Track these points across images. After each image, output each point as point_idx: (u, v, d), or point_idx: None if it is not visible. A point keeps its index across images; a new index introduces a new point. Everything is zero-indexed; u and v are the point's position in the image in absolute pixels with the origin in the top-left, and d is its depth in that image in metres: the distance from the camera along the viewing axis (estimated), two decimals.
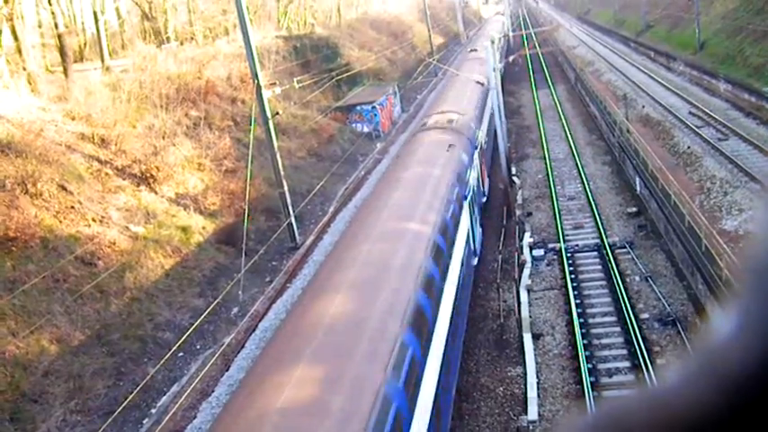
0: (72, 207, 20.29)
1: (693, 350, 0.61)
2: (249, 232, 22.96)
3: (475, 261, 19.74)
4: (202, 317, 18.24)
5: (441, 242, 13.74)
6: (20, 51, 25.65)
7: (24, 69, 25.43)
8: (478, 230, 21.06)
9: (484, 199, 24.34)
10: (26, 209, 18.82)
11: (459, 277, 14.95)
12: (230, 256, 23.41)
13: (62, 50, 28.18)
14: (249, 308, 20.63)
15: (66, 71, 27.35)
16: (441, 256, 13.45)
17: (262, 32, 41.34)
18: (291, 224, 25.20)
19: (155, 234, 22.05)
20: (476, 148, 22.58)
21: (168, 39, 37.66)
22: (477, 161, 22.28)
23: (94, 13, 32.11)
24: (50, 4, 29.75)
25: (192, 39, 40.09)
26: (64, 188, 20.64)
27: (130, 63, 31.02)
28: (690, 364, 0.60)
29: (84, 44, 34.92)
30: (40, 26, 30.72)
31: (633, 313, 18.09)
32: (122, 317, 18.44)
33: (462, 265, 15.73)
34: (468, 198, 18.75)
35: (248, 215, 22.71)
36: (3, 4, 24.51)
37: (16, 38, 25.55)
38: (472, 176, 20.37)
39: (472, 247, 18.91)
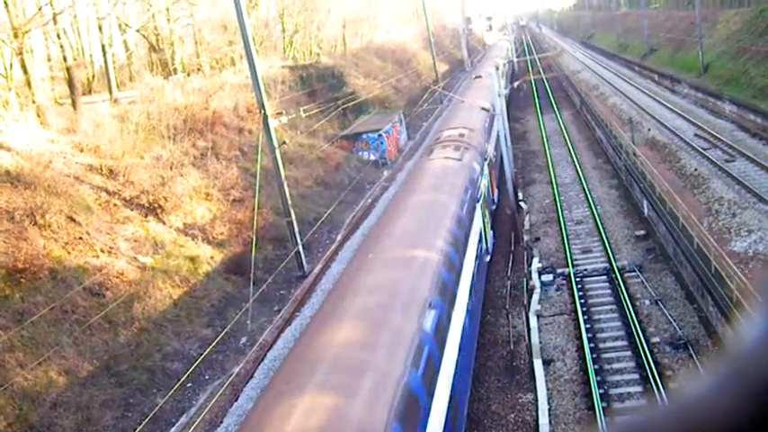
0: (80, 238, 20.38)
1: (721, 357, 0.60)
2: (257, 261, 22.95)
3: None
4: (211, 347, 18.20)
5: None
6: (29, 84, 25.95)
7: (33, 102, 25.70)
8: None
9: (494, 207, 25.46)
10: (35, 240, 18.91)
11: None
12: (238, 285, 23.40)
13: (71, 83, 28.49)
14: (258, 337, 20.55)
15: (74, 103, 27.63)
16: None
17: (268, 62, 41.73)
18: (299, 253, 25.20)
19: (163, 264, 22.09)
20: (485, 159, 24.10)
21: (175, 70, 38.05)
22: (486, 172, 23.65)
23: (102, 46, 32.50)
24: (59, 38, 30.14)
25: (198, 70, 40.49)
26: (72, 219, 20.74)
27: (138, 95, 31.33)
28: (718, 371, 0.59)
29: (93, 77, 35.32)
30: (49, 59, 31.10)
31: (644, 337, 17.92)
32: (131, 347, 18.41)
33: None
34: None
35: (256, 244, 22.73)
36: (13, 38, 24.84)
37: (26, 71, 25.87)
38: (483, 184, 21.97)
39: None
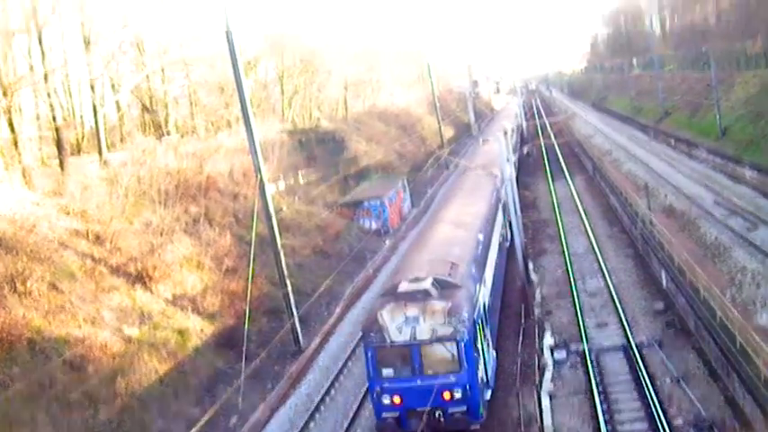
0: (62, 307, 20.28)
1: None
2: (250, 335, 22.79)
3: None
4: (198, 426, 17.89)
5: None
6: (16, 144, 26.23)
7: (20, 163, 25.92)
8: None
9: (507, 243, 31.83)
10: (14, 308, 18.81)
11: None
12: (230, 360, 23.16)
13: (59, 143, 28.79)
14: (249, 416, 20.24)
15: (62, 164, 27.87)
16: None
17: (265, 126, 42.29)
18: (295, 326, 25.03)
19: (149, 336, 21.91)
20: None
21: (168, 132, 38.51)
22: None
23: (94, 106, 32.94)
24: (49, 97, 30.56)
25: (193, 132, 40.98)
26: (55, 287, 20.69)
27: (129, 156, 31.60)
28: None
29: (82, 137, 35.69)
30: (37, 118, 31.46)
31: (666, 419, 17.61)
32: (112, 426, 18.10)
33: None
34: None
35: (249, 316, 22.61)
36: (2, 96, 25.25)
37: (13, 130, 26.18)
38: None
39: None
